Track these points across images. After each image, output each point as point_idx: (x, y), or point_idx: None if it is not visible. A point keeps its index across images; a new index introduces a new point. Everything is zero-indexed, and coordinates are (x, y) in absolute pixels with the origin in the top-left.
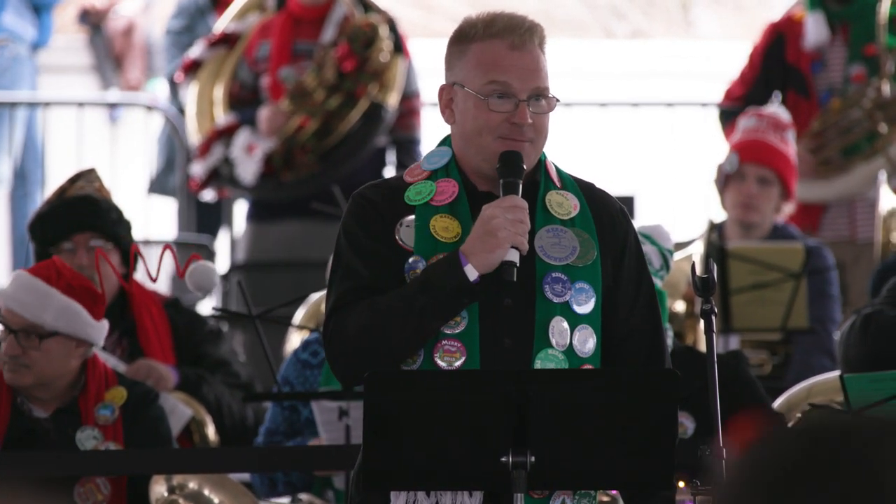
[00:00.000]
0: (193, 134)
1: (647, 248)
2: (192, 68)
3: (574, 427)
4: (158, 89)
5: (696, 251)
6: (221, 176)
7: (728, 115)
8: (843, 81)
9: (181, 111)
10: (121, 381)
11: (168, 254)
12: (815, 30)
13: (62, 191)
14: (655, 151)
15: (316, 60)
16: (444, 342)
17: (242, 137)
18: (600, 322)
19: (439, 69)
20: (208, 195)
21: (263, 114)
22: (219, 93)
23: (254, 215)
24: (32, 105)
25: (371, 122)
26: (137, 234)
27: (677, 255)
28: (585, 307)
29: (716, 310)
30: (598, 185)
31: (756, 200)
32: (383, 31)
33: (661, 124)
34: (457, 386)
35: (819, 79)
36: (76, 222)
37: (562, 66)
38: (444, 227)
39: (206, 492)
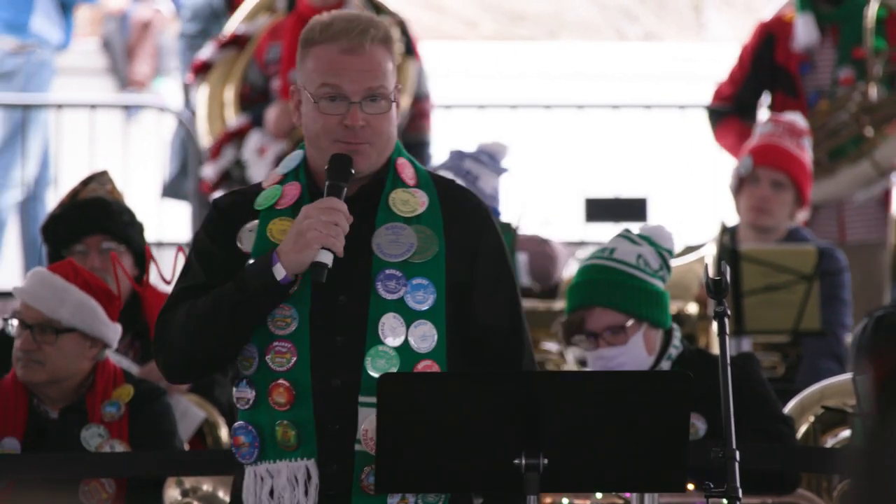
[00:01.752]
0: (204, 136)
1: (644, 249)
2: (202, 70)
3: (586, 429)
4: (164, 88)
5: (709, 253)
6: (233, 178)
7: (717, 115)
8: (831, 84)
9: (195, 115)
10: (128, 380)
11: (181, 256)
12: (804, 31)
13: (75, 193)
14: (667, 154)
15: None
16: (275, 344)
17: (254, 139)
18: (444, 318)
19: (450, 71)
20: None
21: (270, 113)
22: (229, 95)
23: None
24: (45, 107)
25: None
26: (150, 236)
27: (689, 258)
28: (424, 304)
29: (728, 312)
30: (458, 183)
31: (769, 204)
32: (394, 33)
33: (672, 126)
34: (469, 388)
35: (807, 80)
36: (88, 224)
37: (573, 68)
38: (280, 230)
39: (221, 494)
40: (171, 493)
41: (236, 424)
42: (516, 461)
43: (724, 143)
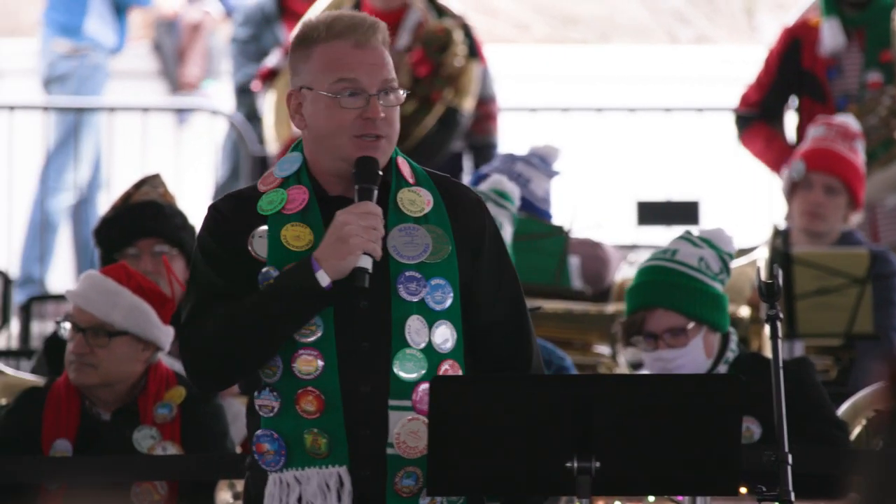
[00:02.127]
0: (271, 142)
1: (705, 252)
2: (269, 77)
3: (638, 432)
4: (213, 90)
5: (761, 256)
6: None
7: (744, 121)
8: (858, 88)
9: (248, 118)
10: (181, 382)
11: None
12: (830, 36)
13: (127, 196)
14: (719, 157)
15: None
16: (301, 351)
17: None
18: (460, 317)
19: (502, 74)
20: None
21: None
22: None
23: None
24: (97, 111)
25: (447, 127)
26: None
27: (742, 261)
28: (443, 304)
29: (781, 315)
30: (453, 177)
31: (823, 209)
32: (458, 35)
33: (725, 129)
34: (521, 391)
35: (835, 85)
36: (141, 228)
37: (625, 71)
38: (295, 236)
39: None
40: (223, 495)
41: (259, 432)
42: (568, 464)
43: (751, 148)
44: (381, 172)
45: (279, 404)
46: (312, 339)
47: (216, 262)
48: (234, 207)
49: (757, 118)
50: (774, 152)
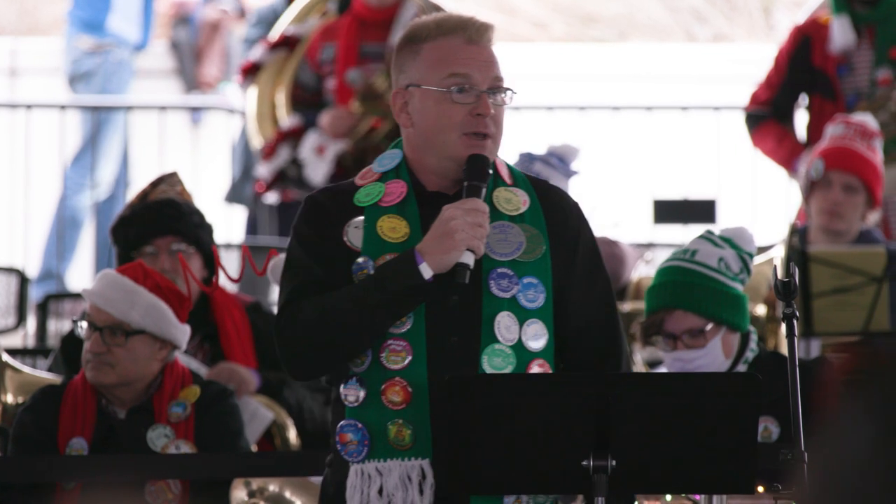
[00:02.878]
0: (254, 136)
1: (726, 252)
2: (252, 71)
3: (655, 431)
4: (230, 91)
5: (778, 255)
6: (288, 177)
7: (754, 120)
8: (869, 85)
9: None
10: (196, 381)
11: (243, 254)
12: (841, 33)
13: (144, 194)
14: (736, 155)
15: (386, 63)
16: (390, 342)
17: (312, 139)
18: (552, 318)
19: (522, 74)
20: (272, 197)
21: (325, 118)
22: (280, 96)
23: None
24: (116, 109)
25: None
26: (218, 237)
27: (758, 259)
28: (535, 302)
29: (797, 314)
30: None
31: (841, 208)
32: None
33: (741, 128)
34: (537, 389)
35: (845, 82)
36: (158, 226)
37: (643, 69)
38: (391, 228)
39: (287, 494)
40: (238, 493)
41: (343, 422)
42: (585, 463)
43: (762, 147)
44: (490, 172)
45: (364, 394)
46: (402, 329)
47: (312, 250)
48: (330, 198)
49: (767, 117)
50: (785, 151)
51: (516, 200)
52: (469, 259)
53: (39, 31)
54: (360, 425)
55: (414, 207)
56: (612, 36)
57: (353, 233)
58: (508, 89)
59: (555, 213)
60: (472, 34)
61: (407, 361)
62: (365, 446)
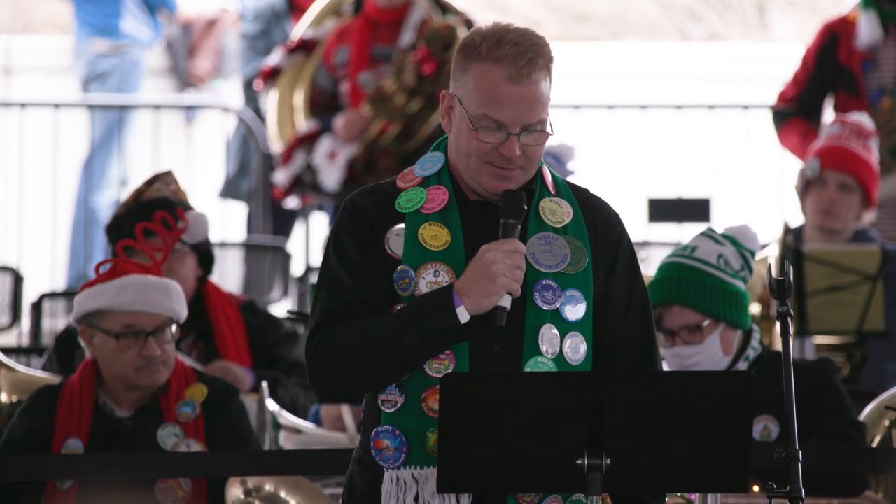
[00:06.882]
0: (275, 141)
1: (726, 250)
2: (272, 76)
3: (650, 430)
4: (224, 89)
5: (772, 254)
6: (304, 183)
7: (781, 117)
8: (893, 81)
9: (257, 114)
10: (200, 379)
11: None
12: (867, 29)
13: (139, 193)
14: (730, 154)
15: (395, 64)
16: None
17: (325, 144)
18: (591, 330)
19: None
20: (292, 202)
21: (339, 122)
22: (299, 100)
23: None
24: (112, 108)
25: None
26: (213, 236)
27: None
28: (576, 314)
29: (791, 312)
30: (593, 191)
31: (836, 207)
32: (462, 32)
33: (736, 127)
34: (532, 388)
35: (870, 78)
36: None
37: (637, 68)
38: (432, 236)
39: (283, 494)
40: (234, 491)
41: (380, 428)
42: (579, 461)
43: (788, 144)
44: (525, 207)
45: (403, 400)
46: None
47: (348, 261)
48: (372, 203)
49: (794, 114)
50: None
51: (561, 212)
52: (507, 302)
53: (33, 29)
54: (398, 432)
55: (455, 214)
56: (605, 34)
57: (395, 240)
58: (544, 129)
59: (596, 225)
60: (515, 72)
61: (450, 370)
62: (403, 453)
